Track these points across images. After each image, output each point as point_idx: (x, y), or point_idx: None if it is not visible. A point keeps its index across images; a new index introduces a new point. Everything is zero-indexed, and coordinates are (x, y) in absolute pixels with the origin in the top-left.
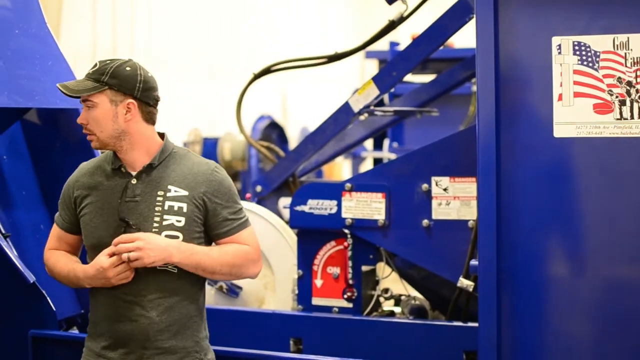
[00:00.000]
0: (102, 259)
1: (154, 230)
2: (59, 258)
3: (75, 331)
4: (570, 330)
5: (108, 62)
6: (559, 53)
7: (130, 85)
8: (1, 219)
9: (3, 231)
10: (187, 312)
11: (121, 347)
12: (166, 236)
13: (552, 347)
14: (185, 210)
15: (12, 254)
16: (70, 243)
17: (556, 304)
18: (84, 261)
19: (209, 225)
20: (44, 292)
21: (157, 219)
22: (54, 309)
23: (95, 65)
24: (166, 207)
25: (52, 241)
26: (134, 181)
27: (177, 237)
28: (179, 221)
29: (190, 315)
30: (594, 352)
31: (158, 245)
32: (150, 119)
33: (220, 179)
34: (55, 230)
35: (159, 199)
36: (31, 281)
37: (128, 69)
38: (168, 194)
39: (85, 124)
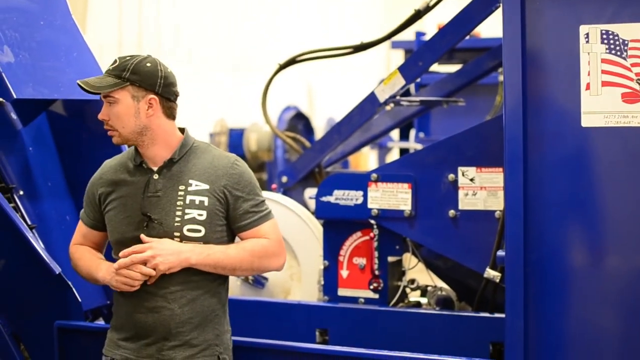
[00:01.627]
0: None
1: (176, 224)
2: (84, 254)
3: (101, 322)
4: (597, 322)
5: (128, 58)
6: (587, 42)
7: (152, 81)
8: (27, 210)
9: (29, 222)
10: (208, 305)
11: (142, 338)
12: (188, 230)
13: (579, 339)
14: (206, 203)
15: (38, 245)
16: (95, 240)
17: (584, 295)
18: (109, 257)
19: (231, 218)
20: (69, 283)
21: (178, 213)
22: (79, 300)
23: (115, 61)
24: (187, 201)
25: (77, 237)
26: (155, 176)
27: (199, 231)
28: (201, 215)
29: (212, 308)
30: (622, 344)
31: (171, 250)
32: (170, 114)
33: (241, 172)
34: (80, 226)
35: (180, 193)
36: (57, 272)
37: (149, 64)
38: (189, 188)
39: (107, 120)
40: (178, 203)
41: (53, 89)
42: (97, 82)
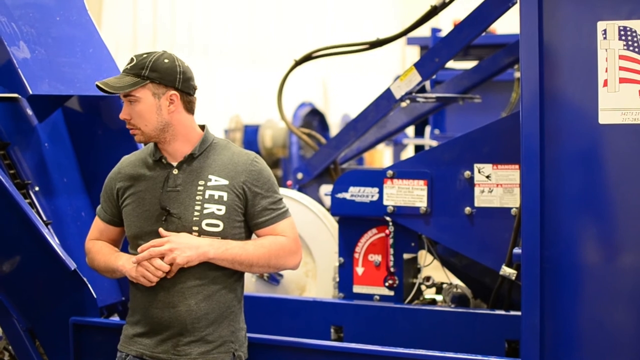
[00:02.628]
0: (128, 266)
1: (194, 218)
2: (101, 248)
3: (116, 318)
4: (614, 319)
5: (145, 55)
6: (605, 38)
7: (172, 77)
8: (43, 206)
9: (44, 218)
10: (225, 302)
11: (158, 333)
12: (207, 224)
13: (596, 336)
14: (225, 199)
15: (54, 241)
16: (112, 236)
17: (600, 292)
18: (126, 252)
19: (248, 215)
20: (85, 279)
21: (197, 207)
22: (94, 296)
23: (132, 60)
24: (207, 196)
25: (94, 233)
26: (175, 171)
27: (217, 226)
28: (220, 210)
29: (228, 304)
30: (638, 341)
31: (189, 244)
32: (190, 108)
33: (260, 169)
34: (97, 222)
35: (199, 188)
36: (72, 268)
37: (166, 61)
38: (209, 183)
39: (129, 119)
40: (197, 198)
41: (69, 84)
42: (116, 82)
